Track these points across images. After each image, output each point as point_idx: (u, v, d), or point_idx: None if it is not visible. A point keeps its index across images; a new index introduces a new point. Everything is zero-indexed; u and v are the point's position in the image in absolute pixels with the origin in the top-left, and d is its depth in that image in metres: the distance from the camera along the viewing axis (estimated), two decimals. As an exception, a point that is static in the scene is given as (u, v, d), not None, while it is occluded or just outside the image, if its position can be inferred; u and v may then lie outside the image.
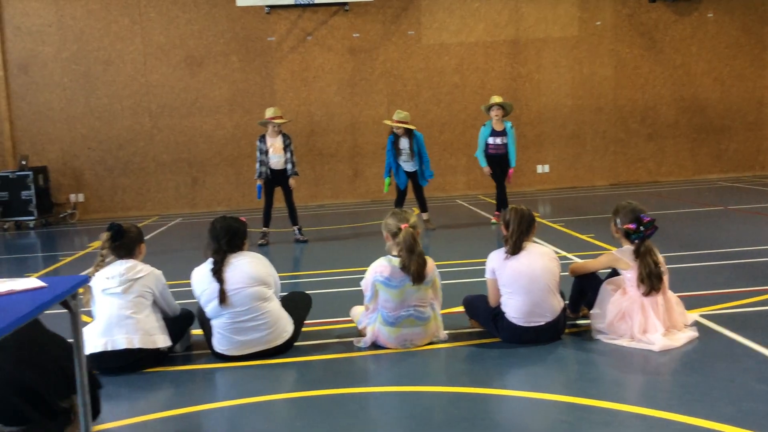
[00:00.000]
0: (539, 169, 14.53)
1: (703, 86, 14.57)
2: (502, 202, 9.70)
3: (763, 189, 12.43)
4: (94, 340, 4.36)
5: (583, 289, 4.84)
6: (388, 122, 9.52)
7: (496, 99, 9.59)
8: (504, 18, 14.15)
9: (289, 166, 9.10)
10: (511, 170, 9.69)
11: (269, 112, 9.14)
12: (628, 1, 14.25)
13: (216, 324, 4.51)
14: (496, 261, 4.66)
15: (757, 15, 14.44)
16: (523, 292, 4.52)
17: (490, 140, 9.59)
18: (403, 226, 4.53)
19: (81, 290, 3.05)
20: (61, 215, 13.53)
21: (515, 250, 4.58)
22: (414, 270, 4.44)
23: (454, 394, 3.85)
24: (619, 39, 14.36)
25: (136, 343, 4.36)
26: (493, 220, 9.92)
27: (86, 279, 2.93)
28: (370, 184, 14.10)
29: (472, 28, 14.14)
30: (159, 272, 4.63)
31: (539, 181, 14.51)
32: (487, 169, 9.74)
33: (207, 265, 4.55)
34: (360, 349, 4.63)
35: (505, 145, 9.54)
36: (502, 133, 9.52)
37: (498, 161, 9.67)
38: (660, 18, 14.34)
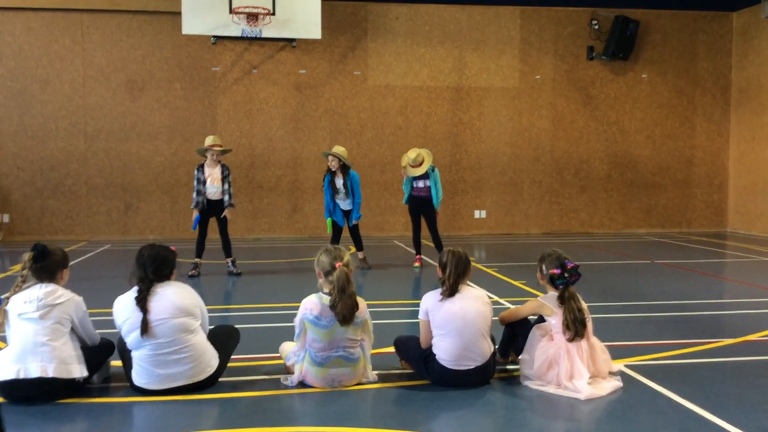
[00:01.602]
0: (476, 214, 14.73)
1: (636, 143, 15.13)
2: (436, 244, 9.70)
3: (689, 245, 12.88)
4: (7, 366, 4.13)
5: (514, 334, 4.88)
6: (328, 152, 9.40)
7: (411, 155, 9.40)
8: (448, 65, 14.46)
9: (226, 198, 8.98)
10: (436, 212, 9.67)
11: (209, 140, 9.02)
12: (567, 58, 14.77)
13: (136, 356, 4.33)
14: (430, 302, 4.65)
15: (689, 78, 15.16)
16: (455, 335, 4.52)
17: (414, 183, 9.62)
18: (337, 264, 4.48)
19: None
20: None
21: (451, 292, 4.58)
22: (342, 311, 4.37)
23: (379, 436, 3.78)
24: (557, 93, 14.83)
25: (51, 372, 4.14)
26: (416, 264, 9.89)
27: (-1, 302, 2.76)
28: (309, 219, 14.02)
29: (417, 72, 14.39)
30: (80, 299, 4.44)
31: (476, 225, 14.70)
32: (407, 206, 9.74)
33: (131, 294, 4.38)
34: (287, 387, 4.52)
35: (428, 188, 9.55)
36: (424, 176, 9.56)
37: (421, 203, 9.65)
38: (597, 75, 14.90)
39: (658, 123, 15.17)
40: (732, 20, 15.15)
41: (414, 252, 9.99)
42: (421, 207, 9.67)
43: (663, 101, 15.16)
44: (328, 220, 9.52)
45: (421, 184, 9.55)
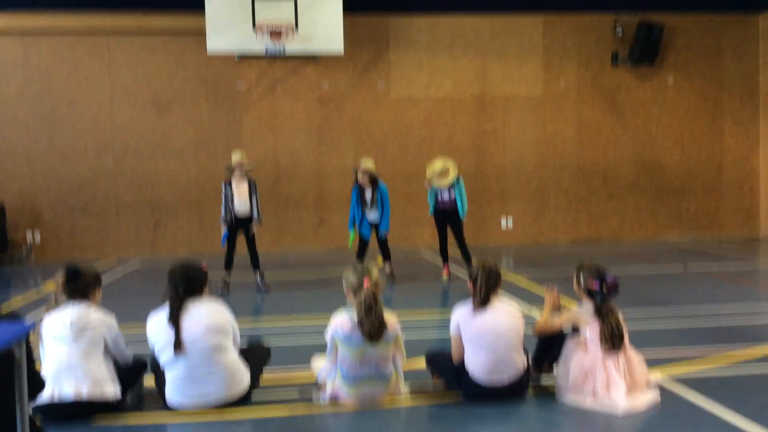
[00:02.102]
0: (503, 223, 14.64)
1: (663, 149, 14.94)
2: (464, 255, 9.63)
3: (721, 251, 12.66)
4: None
5: (549, 345, 4.79)
6: (363, 165, 9.35)
7: (436, 166, 9.38)
8: (471, 75, 14.41)
9: (254, 213, 9.05)
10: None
11: (236, 157, 9.09)
12: (591, 64, 14.65)
13: (170, 374, 4.34)
14: (461, 316, 4.60)
15: (716, 82, 14.95)
16: (487, 349, 4.46)
17: (439, 195, 9.56)
18: (365, 282, 4.44)
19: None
20: (17, 256, 13.13)
21: (483, 305, 4.53)
22: (369, 331, 4.33)
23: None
24: (582, 100, 14.70)
25: (85, 394, 4.17)
26: (444, 275, 9.83)
27: (30, 328, 2.78)
28: (335, 232, 14.01)
29: (440, 83, 14.36)
30: (112, 319, 4.46)
31: (503, 235, 14.60)
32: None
33: (164, 312, 4.40)
34: (319, 404, 4.49)
35: (453, 200, 9.48)
36: (450, 187, 9.47)
37: (446, 215, 9.58)
38: (622, 81, 14.75)
39: (685, 128, 14.97)
40: (758, 22, 14.93)
41: (442, 262, 9.92)
42: (447, 218, 9.63)
43: (690, 106, 14.95)
44: (351, 234, 9.51)
45: (446, 195, 9.51)
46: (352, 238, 9.51)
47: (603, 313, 4.49)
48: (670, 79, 14.83)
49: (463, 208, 9.52)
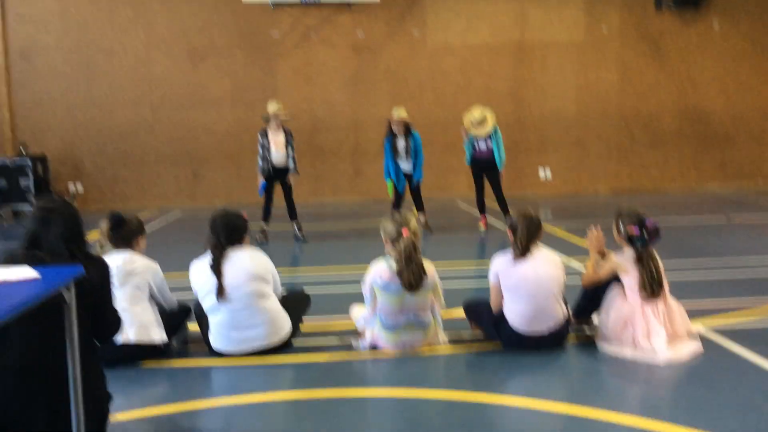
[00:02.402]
0: (541, 173, 14.46)
1: (708, 96, 14.51)
2: (501, 206, 9.52)
3: (765, 201, 12.37)
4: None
5: (593, 296, 4.71)
6: (396, 115, 9.27)
7: (475, 114, 9.25)
8: (509, 20, 14.08)
9: (290, 164, 9.06)
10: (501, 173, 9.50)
11: (272, 107, 9.06)
12: (634, 8, 14.18)
13: (213, 320, 4.44)
14: (500, 265, 4.58)
15: (763, 26, 14.38)
16: (527, 299, 4.45)
17: (476, 144, 9.44)
18: (403, 232, 4.43)
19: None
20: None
21: (523, 254, 4.50)
22: (408, 279, 4.34)
23: (453, 402, 3.77)
24: (625, 45, 14.29)
25: (132, 337, 4.28)
26: (481, 226, 9.73)
27: (80, 270, 2.84)
28: (372, 182, 14.00)
29: (477, 29, 14.07)
30: (156, 265, 4.56)
31: (542, 185, 14.44)
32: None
33: (206, 260, 4.47)
34: (359, 350, 4.55)
35: (490, 150, 9.34)
36: (487, 137, 9.36)
37: (484, 165, 9.46)
38: (666, 26, 14.27)
39: (731, 74, 14.48)
40: (813, -38, 14.25)
41: (479, 213, 9.85)
42: (484, 169, 9.52)
43: (736, 51, 14.43)
44: (389, 183, 9.47)
45: (483, 145, 9.38)
46: (390, 188, 9.47)
47: (643, 259, 4.44)
48: (716, 24, 14.29)
49: (501, 158, 9.39)
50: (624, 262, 4.52)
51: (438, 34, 14.04)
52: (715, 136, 14.59)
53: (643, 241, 4.46)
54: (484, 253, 8.32)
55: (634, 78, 14.35)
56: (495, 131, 9.36)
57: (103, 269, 3.16)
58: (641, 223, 4.47)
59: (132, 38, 13.63)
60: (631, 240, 4.51)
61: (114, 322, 3.23)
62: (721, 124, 14.57)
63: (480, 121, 9.24)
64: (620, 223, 4.58)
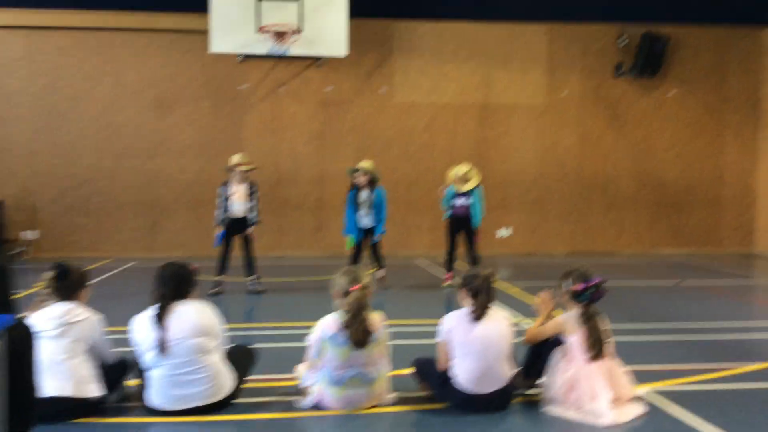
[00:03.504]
0: (502, 233, 14.60)
1: (664, 162, 14.90)
2: (473, 263, 9.55)
3: (718, 266, 12.61)
4: (24, 385, 4.14)
5: (540, 354, 4.73)
6: (354, 168, 9.38)
7: (461, 169, 9.47)
8: (475, 82, 14.41)
9: (251, 214, 9.02)
10: (476, 231, 9.60)
11: (236, 158, 9.08)
12: (594, 75, 14.63)
13: (153, 375, 4.33)
14: (452, 323, 4.58)
15: (718, 96, 14.91)
16: (477, 358, 4.44)
17: (455, 200, 9.56)
18: (353, 287, 4.43)
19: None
20: (11, 252, 13.13)
21: (482, 315, 4.52)
22: (355, 336, 4.33)
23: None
24: (585, 110, 14.68)
25: (68, 391, 4.16)
26: (446, 283, 9.77)
27: (10, 320, 2.77)
28: (334, 237, 13.98)
29: (444, 89, 14.36)
30: (97, 318, 4.46)
31: (501, 244, 14.56)
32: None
33: (150, 312, 4.39)
34: (302, 410, 4.47)
35: (467, 207, 9.47)
36: (466, 194, 9.50)
37: (459, 221, 9.60)
38: (624, 93, 14.73)
39: (686, 141, 14.93)
40: (762, 37, 14.90)
41: (445, 270, 9.87)
42: (461, 225, 9.59)
43: (692, 119, 14.92)
44: (348, 237, 9.46)
45: (460, 201, 9.49)
46: (349, 243, 9.47)
47: (587, 318, 4.48)
48: (672, 92, 14.79)
49: (479, 216, 9.50)
50: (569, 321, 4.56)
51: (405, 93, 14.30)
52: (670, 202, 14.93)
53: (587, 298, 4.51)
54: (441, 311, 8.28)
55: (592, 142, 14.71)
56: (478, 188, 9.48)
57: (26, 334, 3.01)
58: (586, 280, 4.54)
59: (99, 86, 13.64)
60: (575, 296, 4.55)
61: (29, 401, 2.99)
62: (676, 191, 14.94)
63: (464, 176, 9.38)
64: (565, 281, 4.64)
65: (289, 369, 4.99)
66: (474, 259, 9.56)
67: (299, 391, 4.66)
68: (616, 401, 4.39)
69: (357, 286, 4.42)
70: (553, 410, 4.44)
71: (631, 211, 14.86)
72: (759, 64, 14.93)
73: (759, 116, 15.00)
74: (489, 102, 14.49)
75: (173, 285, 4.42)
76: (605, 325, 4.55)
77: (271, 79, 14.01)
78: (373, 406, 4.49)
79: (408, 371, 4.92)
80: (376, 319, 4.49)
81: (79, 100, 13.61)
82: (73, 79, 13.59)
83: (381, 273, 9.62)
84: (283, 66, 13.94)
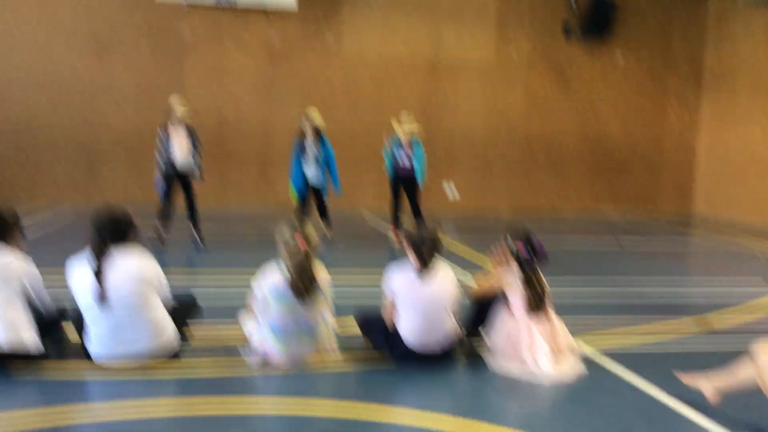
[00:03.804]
0: (447, 189, 14.68)
1: (607, 124, 15.16)
2: (418, 219, 9.56)
3: (655, 227, 12.99)
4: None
5: (483, 309, 4.79)
6: (308, 114, 9.24)
7: (403, 118, 9.47)
8: (423, 36, 14.27)
9: (195, 170, 8.71)
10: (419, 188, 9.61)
11: (174, 100, 8.71)
12: (543, 37, 14.67)
13: (92, 326, 4.19)
14: (395, 279, 4.58)
15: (663, 62, 15.18)
16: (421, 313, 4.46)
17: (397, 157, 9.50)
18: (297, 236, 4.36)
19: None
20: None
21: (425, 270, 4.51)
22: (297, 286, 4.29)
23: (341, 419, 3.71)
24: (533, 71, 14.75)
25: (2, 343, 4.00)
26: (392, 234, 9.75)
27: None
28: (279, 189, 13.80)
29: (392, 43, 14.18)
30: (32, 266, 4.26)
31: (446, 202, 14.65)
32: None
33: (86, 260, 4.20)
34: (248, 360, 4.42)
35: (411, 164, 9.44)
36: (409, 153, 9.43)
37: (404, 178, 9.56)
38: (572, 55, 14.84)
39: (630, 105, 15.20)
40: (708, 5, 15.16)
41: (391, 222, 9.81)
42: (404, 183, 9.55)
43: (636, 83, 15.17)
44: (292, 187, 9.29)
45: (405, 160, 9.42)
46: (292, 194, 9.33)
47: (527, 275, 4.55)
48: (619, 56, 14.98)
49: (422, 172, 9.48)
50: (510, 277, 4.61)
51: (353, 45, 14.06)
52: (611, 163, 15.26)
53: (528, 260, 4.58)
54: (385, 263, 8.31)
55: (539, 102, 14.83)
56: (417, 145, 9.43)
57: None
58: (528, 241, 4.59)
59: (32, 26, 12.95)
60: (517, 258, 4.61)
61: None
62: (618, 152, 15.26)
63: (407, 120, 9.38)
64: (508, 239, 4.68)
65: (234, 317, 4.93)
66: (418, 215, 9.59)
67: (246, 344, 4.59)
68: (556, 355, 4.49)
69: (301, 241, 4.36)
70: (496, 364, 4.52)
71: (574, 170, 15.12)
72: (702, 30, 15.22)
73: (700, 81, 15.36)
74: (438, 57, 14.39)
75: (110, 231, 4.21)
76: (545, 282, 4.62)
77: (216, 26, 13.57)
78: (321, 361, 4.47)
79: (353, 323, 4.89)
80: (321, 272, 4.45)
81: (10, 39, 12.91)
82: (3, 18, 12.86)
83: (326, 226, 9.54)
84: (228, 15, 13.50)
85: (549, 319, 4.60)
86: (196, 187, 8.91)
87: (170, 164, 8.63)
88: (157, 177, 8.76)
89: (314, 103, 13.75)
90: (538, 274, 4.63)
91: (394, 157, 9.50)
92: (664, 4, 15.00)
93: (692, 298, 7.16)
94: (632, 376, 4.43)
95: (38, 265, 4.35)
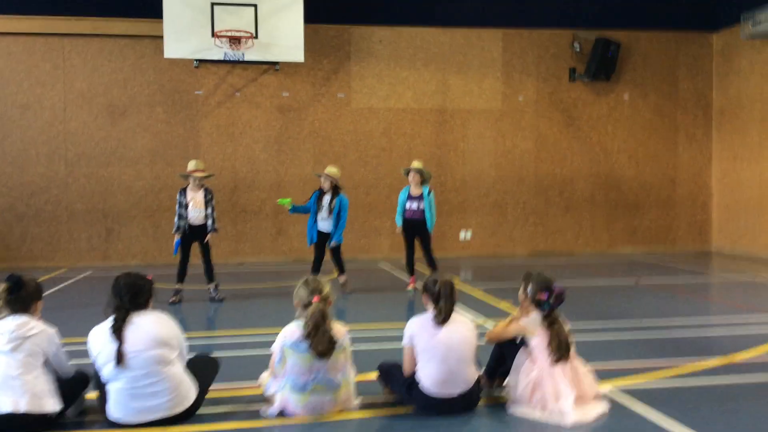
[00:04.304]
0: (462, 235, 14.70)
1: (619, 163, 15.19)
2: (430, 265, 9.63)
3: (674, 265, 12.89)
4: (-22, 401, 4.00)
5: (502, 356, 4.77)
6: (321, 173, 9.42)
7: (415, 164, 9.67)
8: (431, 88, 14.49)
9: (209, 222, 8.91)
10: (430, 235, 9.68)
11: (191, 165, 8.97)
12: (549, 80, 14.84)
13: (112, 388, 4.20)
14: (415, 328, 4.58)
15: (670, 99, 15.28)
16: (440, 362, 4.44)
17: (407, 204, 9.62)
18: (314, 299, 4.40)
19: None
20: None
21: (445, 321, 4.52)
22: (317, 347, 4.31)
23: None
24: (540, 114, 14.88)
25: (23, 407, 4.02)
26: (410, 287, 9.81)
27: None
28: (294, 242, 13.92)
29: (401, 95, 14.41)
30: (53, 331, 4.32)
31: (462, 247, 14.66)
32: (399, 229, 9.73)
33: (106, 324, 4.27)
34: (267, 418, 4.41)
35: (422, 211, 9.57)
36: (419, 198, 9.57)
37: (415, 225, 9.66)
38: (578, 97, 14.98)
39: (640, 143, 15.25)
40: (713, 41, 15.32)
41: (407, 274, 9.91)
42: (415, 229, 9.65)
43: (645, 122, 15.25)
44: (286, 200, 9.37)
45: (415, 206, 9.55)
46: (287, 202, 9.37)
47: (550, 323, 4.53)
48: (626, 95, 15.10)
49: (432, 218, 9.56)
50: (532, 325, 4.59)
51: (362, 98, 14.30)
52: (626, 202, 15.23)
53: (550, 306, 4.57)
54: (404, 315, 8.30)
55: (548, 145, 14.92)
56: (428, 193, 9.54)
57: None
58: (549, 288, 4.58)
59: (50, 93, 13.32)
60: (538, 304, 4.60)
61: None
62: (631, 191, 15.25)
63: (418, 163, 9.65)
64: (528, 286, 4.68)
65: (253, 377, 4.93)
66: (431, 263, 9.62)
67: (264, 399, 4.59)
68: (580, 400, 4.44)
69: (317, 297, 4.40)
70: (518, 411, 4.47)
71: (587, 211, 15.10)
72: (708, 68, 15.34)
73: (710, 117, 15.41)
74: (446, 107, 14.58)
75: (129, 296, 4.30)
76: (567, 327, 4.59)
77: (227, 85, 13.88)
78: (339, 412, 4.45)
79: (373, 376, 4.89)
80: (338, 328, 4.46)
81: (29, 107, 13.27)
82: (22, 86, 13.24)
83: (343, 278, 9.59)
84: (239, 71, 13.82)
85: (573, 365, 4.56)
86: (212, 242, 9.02)
87: (187, 224, 8.80)
88: (176, 239, 8.89)
89: (326, 155, 13.97)
90: (560, 320, 4.60)
91: (404, 206, 9.60)
92: (668, 43, 15.18)
93: (714, 335, 7.05)
94: (657, 416, 4.36)
95: (57, 329, 4.40)
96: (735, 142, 14.78)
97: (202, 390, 4.48)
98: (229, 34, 12.44)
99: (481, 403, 4.64)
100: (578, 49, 14.76)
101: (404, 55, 14.39)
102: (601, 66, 14.59)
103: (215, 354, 5.05)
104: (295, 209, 9.41)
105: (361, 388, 4.74)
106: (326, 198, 9.31)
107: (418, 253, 9.76)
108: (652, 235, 15.34)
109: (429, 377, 4.46)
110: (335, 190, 9.33)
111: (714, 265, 13.11)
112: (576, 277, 10.88)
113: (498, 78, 14.69)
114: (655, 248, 15.25)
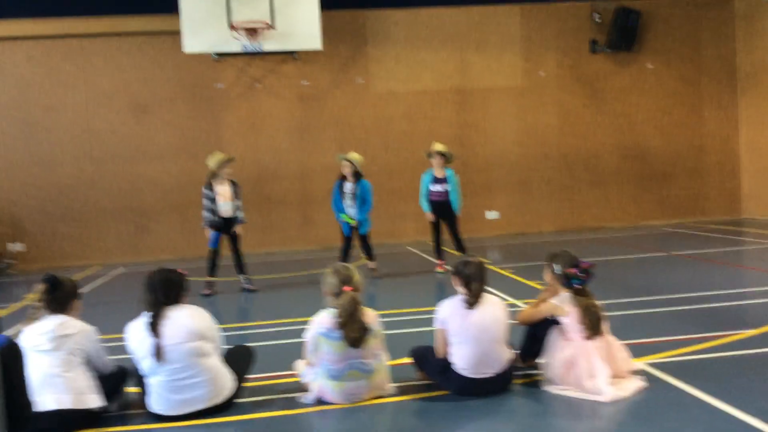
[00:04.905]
0: (488, 215, 14.64)
1: (645, 134, 14.99)
2: (458, 247, 9.64)
3: (705, 234, 12.73)
4: (23, 400, 4.10)
5: (535, 336, 4.77)
6: (343, 156, 9.42)
7: (438, 146, 9.64)
8: (450, 68, 14.39)
9: (238, 214, 8.97)
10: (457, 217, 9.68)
11: (215, 159, 8.99)
12: (569, 53, 14.66)
13: (152, 382, 4.30)
14: (447, 311, 4.59)
15: (694, 66, 15.01)
16: (472, 343, 4.45)
17: (432, 187, 9.60)
18: (344, 288, 4.43)
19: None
20: (0, 267, 12.97)
21: (475, 303, 4.52)
22: (350, 335, 4.34)
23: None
24: (563, 88, 14.72)
25: (67, 404, 4.12)
26: (438, 269, 9.81)
27: (4, 340, 2.73)
28: (320, 230, 13.97)
29: (420, 76, 14.33)
30: (91, 329, 4.41)
31: (489, 226, 14.61)
32: (429, 215, 9.71)
33: (143, 319, 4.35)
34: (305, 405, 4.46)
35: (446, 192, 9.54)
36: (443, 180, 9.54)
37: (441, 208, 9.64)
38: (601, 68, 14.78)
39: (666, 112, 15.02)
40: (734, 5, 15.00)
41: (436, 258, 9.92)
42: (440, 212, 9.63)
43: (670, 90, 15.01)
44: (343, 217, 9.37)
45: (440, 188, 9.54)
46: (349, 219, 9.36)
47: (581, 299, 4.51)
48: (649, 65, 14.87)
49: (457, 201, 9.53)
50: (562, 303, 4.58)
51: (381, 82, 14.26)
52: (653, 173, 15.04)
53: (579, 281, 4.55)
54: (434, 298, 8.31)
55: (572, 119, 14.76)
56: (451, 175, 9.52)
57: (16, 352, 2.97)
58: (576, 265, 4.57)
59: (72, 93, 13.48)
60: (567, 280, 4.58)
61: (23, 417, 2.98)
62: (659, 162, 15.05)
63: (440, 146, 9.64)
64: (554, 265, 4.67)
65: (288, 366, 4.98)
66: (459, 245, 9.61)
67: (300, 387, 4.65)
68: (615, 376, 4.43)
69: (348, 287, 4.42)
70: (554, 389, 4.47)
71: (615, 185, 14.95)
72: (731, 32, 15.04)
73: (735, 83, 15.13)
74: (466, 86, 14.48)
75: (164, 291, 4.38)
76: (598, 303, 4.57)
77: (247, 76, 13.92)
78: (375, 398, 4.49)
79: (406, 360, 4.92)
80: (369, 315, 4.49)
81: (53, 108, 13.44)
82: (45, 88, 13.41)
83: (372, 264, 9.62)
84: (258, 62, 13.85)
85: (607, 341, 4.54)
86: (241, 233, 9.09)
87: (219, 217, 8.86)
88: (207, 231, 8.96)
89: (347, 141, 13.97)
90: (591, 295, 4.59)
91: (428, 189, 9.58)
92: (689, 8, 14.89)
93: (750, 304, 6.97)
94: (693, 389, 4.33)
95: (95, 327, 4.49)
96: (762, 106, 14.50)
97: (240, 380, 4.55)
98: (246, 25, 12.45)
99: (516, 383, 4.65)
100: (598, 20, 14.54)
101: (421, 37, 14.30)
102: (623, 36, 14.37)
103: (250, 344, 5.11)
104: (352, 217, 9.36)
105: (396, 372, 4.78)
106: (348, 185, 9.31)
107: (445, 234, 9.75)
108: (681, 205, 15.15)
109: (463, 359, 4.48)
110: (356, 176, 9.32)
111: (746, 232, 12.92)
112: (606, 252, 10.80)
113: (517, 54, 14.54)
114: (685, 218, 15.07)
